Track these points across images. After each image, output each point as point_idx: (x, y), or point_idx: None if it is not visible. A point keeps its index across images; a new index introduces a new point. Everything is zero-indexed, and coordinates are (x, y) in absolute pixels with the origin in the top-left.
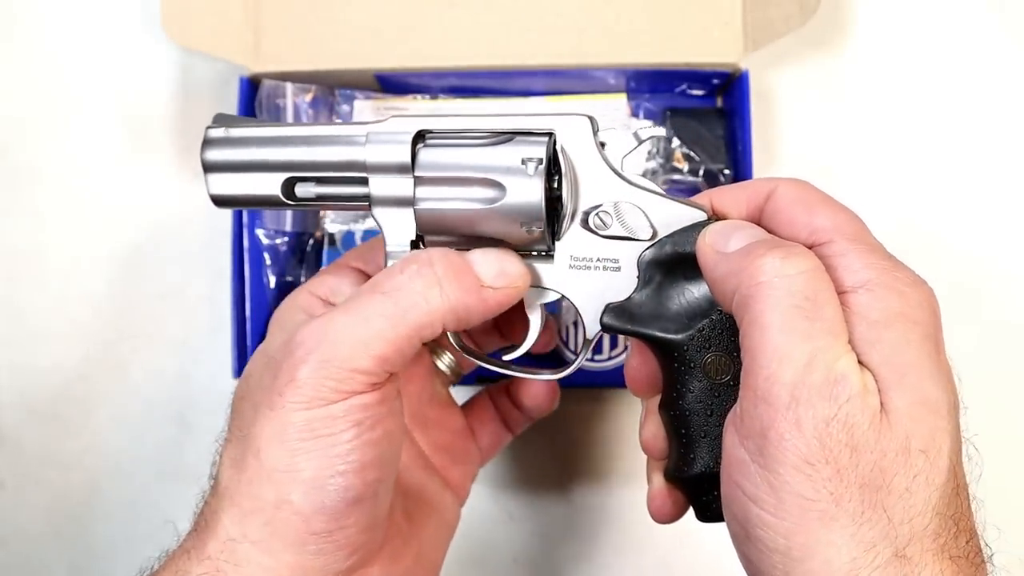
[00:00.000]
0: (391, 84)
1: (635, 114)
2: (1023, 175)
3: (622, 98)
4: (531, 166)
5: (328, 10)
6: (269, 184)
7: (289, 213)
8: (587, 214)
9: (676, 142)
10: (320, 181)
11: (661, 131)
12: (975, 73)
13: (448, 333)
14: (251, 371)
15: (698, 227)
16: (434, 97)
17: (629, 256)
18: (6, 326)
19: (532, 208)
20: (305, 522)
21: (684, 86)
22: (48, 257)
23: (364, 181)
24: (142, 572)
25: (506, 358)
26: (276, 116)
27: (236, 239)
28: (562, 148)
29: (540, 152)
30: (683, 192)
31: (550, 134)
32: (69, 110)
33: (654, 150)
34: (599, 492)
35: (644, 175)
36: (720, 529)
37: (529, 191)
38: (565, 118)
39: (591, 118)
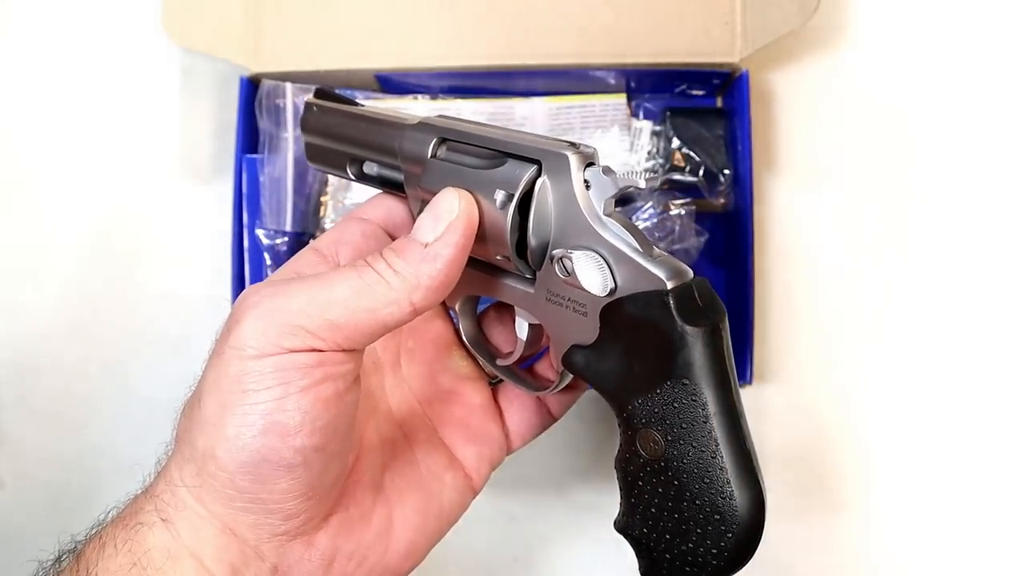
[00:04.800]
0: (391, 84)
1: (635, 114)
2: None
3: (622, 98)
4: (500, 198)
5: (328, 10)
6: (342, 157)
7: (289, 213)
8: (552, 258)
9: (676, 142)
10: (380, 163)
11: (641, 183)
12: (976, 72)
13: (462, 331)
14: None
15: (652, 300)
16: (434, 97)
17: (594, 305)
18: (6, 326)
19: (500, 239)
20: (230, 478)
21: (684, 86)
22: (48, 257)
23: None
24: (107, 512)
25: (499, 362)
26: (276, 116)
27: (236, 239)
28: (543, 183)
29: (515, 187)
30: (682, 192)
31: (538, 164)
32: (70, 110)
33: (654, 150)
34: (599, 492)
35: (644, 174)
36: None
37: (497, 222)
38: (552, 151)
39: (581, 153)
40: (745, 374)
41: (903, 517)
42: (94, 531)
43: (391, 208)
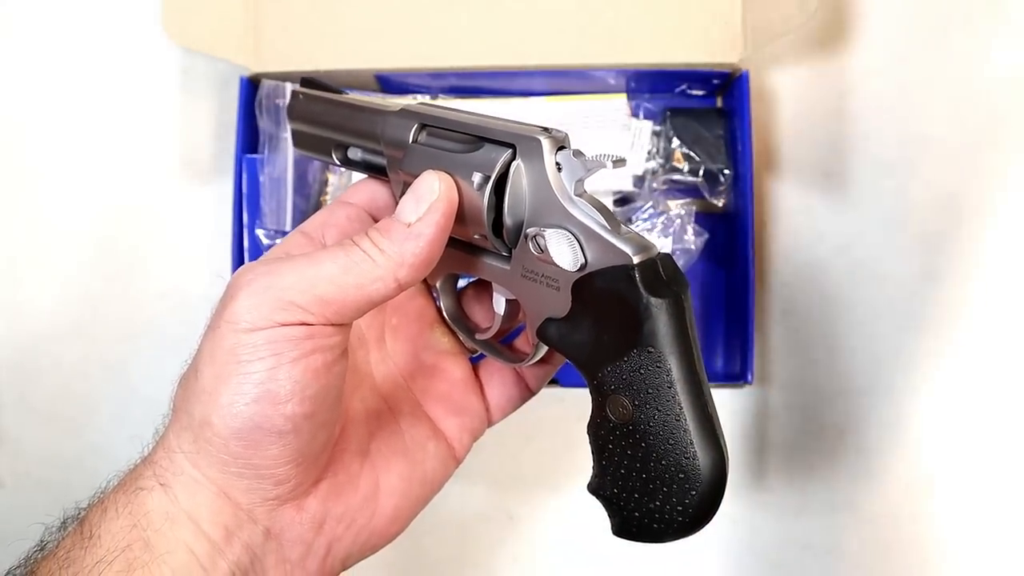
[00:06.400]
0: (391, 84)
1: (635, 114)
2: None
3: (622, 98)
4: (477, 180)
5: (328, 10)
6: (328, 143)
7: (289, 213)
8: (527, 236)
9: (676, 142)
10: (364, 149)
11: (609, 164)
12: (976, 72)
13: (443, 308)
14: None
15: (619, 274)
16: (434, 97)
17: (565, 280)
18: (6, 326)
19: (478, 219)
20: (224, 444)
21: (684, 86)
22: (48, 257)
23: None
24: (108, 480)
25: (477, 336)
26: (276, 116)
27: (236, 239)
28: (518, 165)
29: (491, 170)
30: (683, 192)
31: (512, 148)
32: (70, 110)
33: (654, 150)
34: None
35: (644, 175)
36: (723, 529)
37: (475, 203)
38: (526, 136)
39: (554, 137)
40: (745, 374)
41: (903, 517)
42: (96, 498)
43: (374, 192)
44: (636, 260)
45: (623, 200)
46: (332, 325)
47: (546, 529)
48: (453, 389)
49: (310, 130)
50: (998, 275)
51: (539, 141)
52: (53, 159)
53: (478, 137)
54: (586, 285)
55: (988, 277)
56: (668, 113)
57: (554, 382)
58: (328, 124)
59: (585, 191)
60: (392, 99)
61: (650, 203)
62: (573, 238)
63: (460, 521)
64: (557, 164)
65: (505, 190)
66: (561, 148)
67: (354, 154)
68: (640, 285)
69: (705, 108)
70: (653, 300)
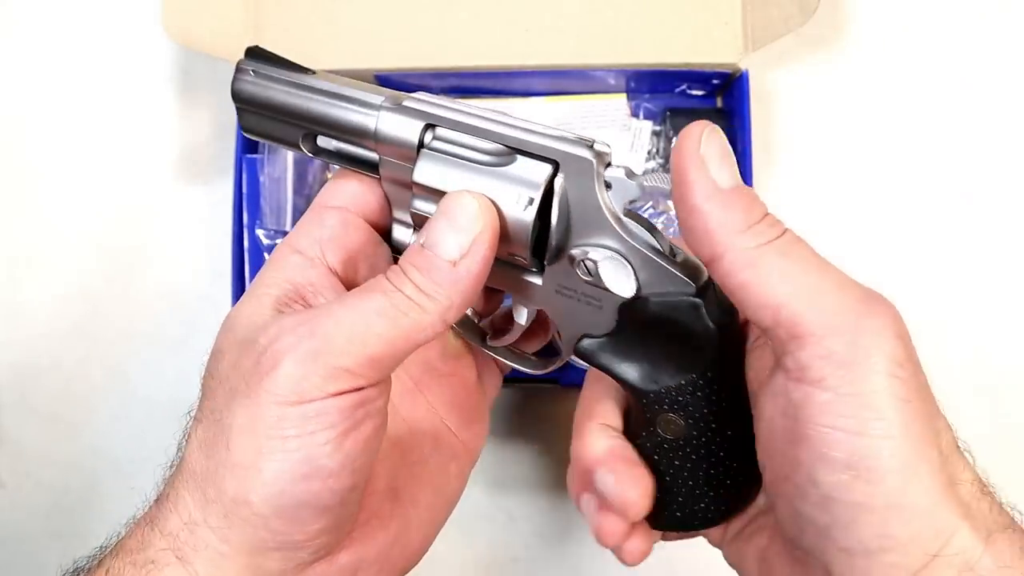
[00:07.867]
0: (391, 84)
1: (635, 114)
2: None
3: (622, 98)
4: (521, 201)
5: (328, 10)
6: (292, 130)
7: (289, 213)
8: (573, 258)
9: (676, 142)
10: (339, 138)
11: (665, 185)
12: (976, 73)
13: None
14: (224, 348)
15: (683, 304)
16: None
17: (611, 302)
18: (6, 326)
19: (520, 241)
20: (264, 522)
21: (684, 86)
22: (48, 257)
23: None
24: (108, 539)
25: (490, 342)
26: None
27: (236, 239)
28: (562, 184)
29: (535, 191)
30: None
31: (555, 165)
32: (69, 110)
33: (654, 150)
34: None
35: (644, 174)
36: None
37: (518, 225)
38: (573, 154)
39: (600, 154)
40: None
41: None
42: (96, 561)
43: (355, 189)
44: (695, 287)
45: None
46: (379, 384)
47: (546, 530)
48: (468, 393)
49: (270, 115)
50: (999, 274)
51: (589, 162)
52: (53, 159)
53: (507, 147)
54: (637, 308)
55: (989, 277)
56: (668, 113)
57: (554, 382)
58: (294, 112)
59: (633, 211)
60: (366, 86)
61: (650, 203)
62: (627, 264)
63: (460, 521)
64: (607, 183)
65: (550, 209)
66: (607, 164)
67: (326, 143)
68: (706, 316)
69: (705, 108)
70: (719, 331)
